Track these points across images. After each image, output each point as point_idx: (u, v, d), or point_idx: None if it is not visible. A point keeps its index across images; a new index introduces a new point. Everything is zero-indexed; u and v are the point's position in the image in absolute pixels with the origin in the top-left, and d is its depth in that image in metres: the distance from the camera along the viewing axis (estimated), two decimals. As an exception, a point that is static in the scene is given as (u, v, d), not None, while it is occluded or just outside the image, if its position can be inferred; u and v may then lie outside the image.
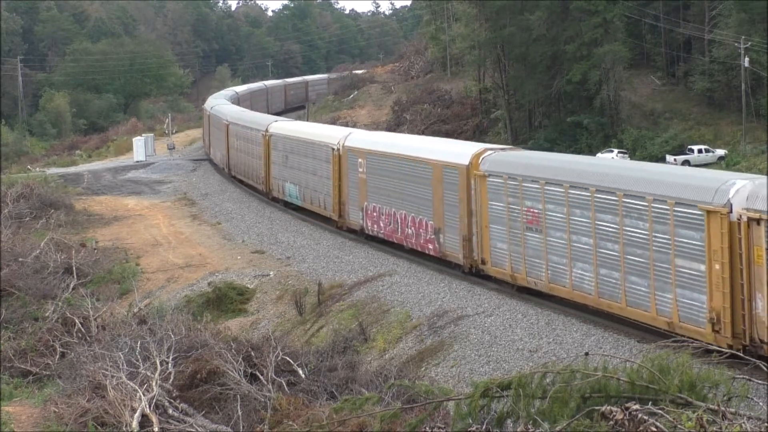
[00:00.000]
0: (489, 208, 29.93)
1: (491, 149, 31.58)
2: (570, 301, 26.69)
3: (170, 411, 22.33)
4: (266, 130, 51.43)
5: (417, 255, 35.09)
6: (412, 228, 34.86)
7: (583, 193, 25.73)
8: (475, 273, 31.21)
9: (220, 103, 77.41)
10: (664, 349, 13.82)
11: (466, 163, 31.12)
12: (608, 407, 12.40)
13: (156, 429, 21.35)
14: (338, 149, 41.18)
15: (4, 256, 42.08)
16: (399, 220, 35.94)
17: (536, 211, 27.52)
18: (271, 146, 50.80)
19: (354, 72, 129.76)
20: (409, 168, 35.00)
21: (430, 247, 33.73)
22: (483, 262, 30.57)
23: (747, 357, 14.60)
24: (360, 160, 38.99)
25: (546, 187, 27.14)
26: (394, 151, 36.82)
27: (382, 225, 37.31)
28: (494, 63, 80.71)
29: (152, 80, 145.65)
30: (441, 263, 33.44)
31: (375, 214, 37.87)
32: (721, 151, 65.22)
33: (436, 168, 32.93)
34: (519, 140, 73.76)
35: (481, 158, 30.70)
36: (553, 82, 74.42)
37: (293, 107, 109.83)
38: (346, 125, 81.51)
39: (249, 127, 56.09)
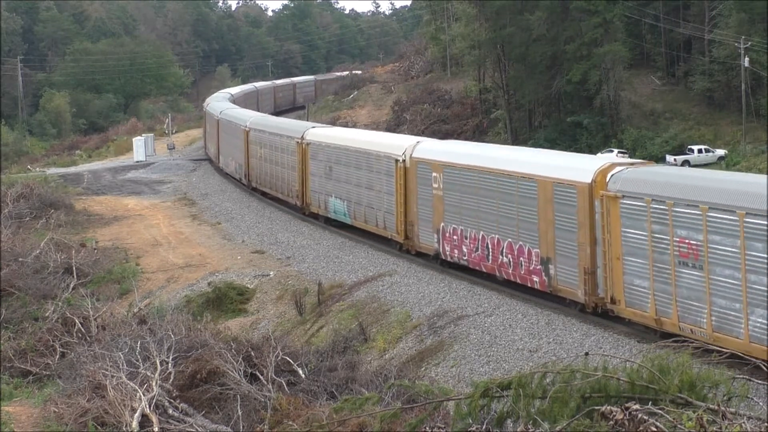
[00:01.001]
0: (623, 236, 24.61)
1: (621, 164, 26.52)
2: (746, 354, 17.36)
3: (170, 411, 22.33)
4: (302, 138, 45.74)
5: (514, 287, 29.78)
6: (509, 256, 29.60)
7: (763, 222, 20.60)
8: (600, 313, 26.04)
9: (231, 107, 72.69)
10: (664, 349, 13.81)
11: (589, 180, 26.04)
12: (608, 407, 12.40)
13: (156, 429, 21.36)
14: (403, 160, 35.54)
15: (4, 256, 42.08)
16: (490, 246, 30.51)
17: (694, 242, 22.40)
18: (308, 156, 44.93)
19: (338, 74, 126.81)
20: (505, 185, 29.50)
21: (535, 279, 28.42)
22: (613, 301, 25.20)
23: (747, 357, 14.59)
24: (435, 174, 33.44)
25: (710, 214, 21.88)
26: (482, 165, 31.17)
27: (465, 250, 31.86)
28: (494, 63, 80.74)
29: (152, 80, 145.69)
30: (548, 298, 28.27)
31: (455, 237, 32.39)
32: (721, 151, 65.23)
33: (545, 185, 27.68)
34: (519, 140, 73.81)
35: (609, 175, 25.58)
36: (553, 82, 74.42)
37: (282, 110, 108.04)
38: (346, 125, 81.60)
39: (279, 134, 49.99)
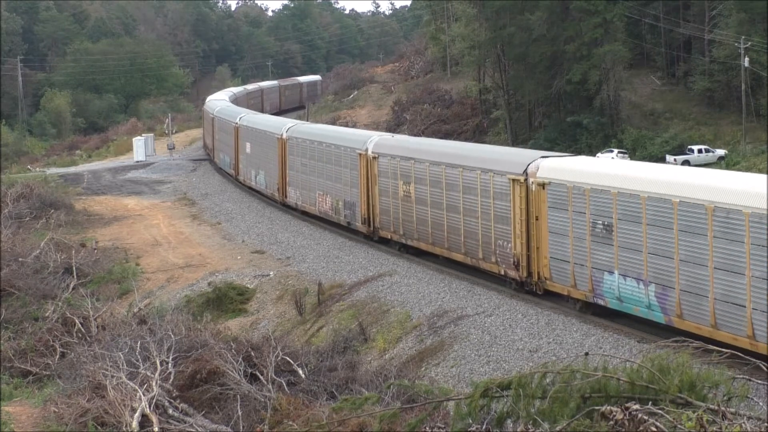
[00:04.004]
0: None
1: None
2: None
3: (170, 411, 22.34)
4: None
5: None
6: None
7: None
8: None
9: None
10: (664, 349, 13.82)
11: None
12: (608, 407, 12.40)
13: (156, 429, 21.36)
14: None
15: (4, 256, 42.08)
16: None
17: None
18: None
19: (300, 79, 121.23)
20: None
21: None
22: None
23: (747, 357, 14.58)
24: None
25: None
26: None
27: None
28: (494, 63, 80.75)
29: (152, 80, 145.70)
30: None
31: None
32: (721, 151, 65.23)
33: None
34: (519, 140, 73.82)
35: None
36: (553, 82, 74.40)
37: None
38: (346, 125, 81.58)
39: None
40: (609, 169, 26.62)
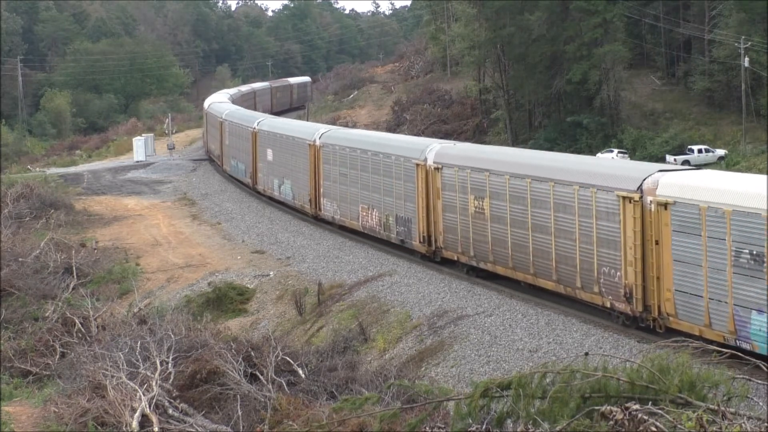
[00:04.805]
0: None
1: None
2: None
3: (170, 411, 22.34)
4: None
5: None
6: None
7: None
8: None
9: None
10: (664, 349, 13.82)
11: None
12: (608, 407, 12.40)
13: (156, 429, 21.36)
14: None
15: (4, 256, 42.09)
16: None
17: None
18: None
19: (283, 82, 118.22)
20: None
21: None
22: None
23: (747, 357, 14.59)
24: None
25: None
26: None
27: None
28: (494, 63, 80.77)
29: (152, 80, 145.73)
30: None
31: None
32: (721, 151, 65.27)
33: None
34: (519, 140, 73.84)
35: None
36: (553, 82, 74.44)
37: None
38: (346, 125, 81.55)
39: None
40: (756, 188, 22.01)
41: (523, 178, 28.74)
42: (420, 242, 34.90)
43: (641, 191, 24.34)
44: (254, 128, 55.80)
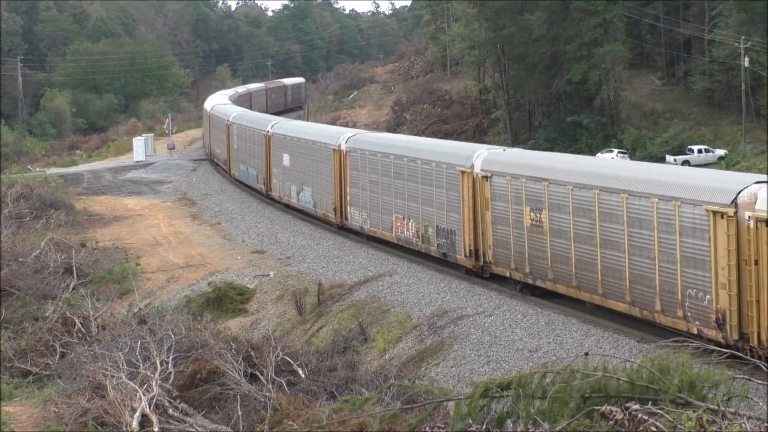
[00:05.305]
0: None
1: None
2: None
3: (170, 411, 22.35)
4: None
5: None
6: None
7: None
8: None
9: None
10: (664, 349, 13.82)
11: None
12: (608, 407, 12.40)
13: (156, 429, 21.37)
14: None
15: (4, 256, 42.09)
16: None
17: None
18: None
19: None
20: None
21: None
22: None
23: (747, 357, 14.59)
24: None
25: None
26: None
27: None
28: (494, 63, 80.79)
29: (152, 80, 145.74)
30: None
31: None
32: (721, 151, 65.28)
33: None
34: (519, 140, 73.82)
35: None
36: (553, 82, 74.46)
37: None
38: (346, 125, 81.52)
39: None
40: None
41: (590, 188, 26.11)
42: (466, 256, 31.97)
43: (736, 205, 21.88)
44: (267, 131, 52.89)
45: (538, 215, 28.20)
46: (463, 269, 32.42)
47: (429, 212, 34.31)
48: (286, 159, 49.67)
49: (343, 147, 41.55)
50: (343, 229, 42.20)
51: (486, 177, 30.66)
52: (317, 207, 45.07)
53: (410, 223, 35.92)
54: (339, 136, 43.24)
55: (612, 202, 25.24)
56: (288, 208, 49.81)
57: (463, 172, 31.84)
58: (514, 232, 29.28)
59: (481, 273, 31.62)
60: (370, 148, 39.73)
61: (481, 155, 31.66)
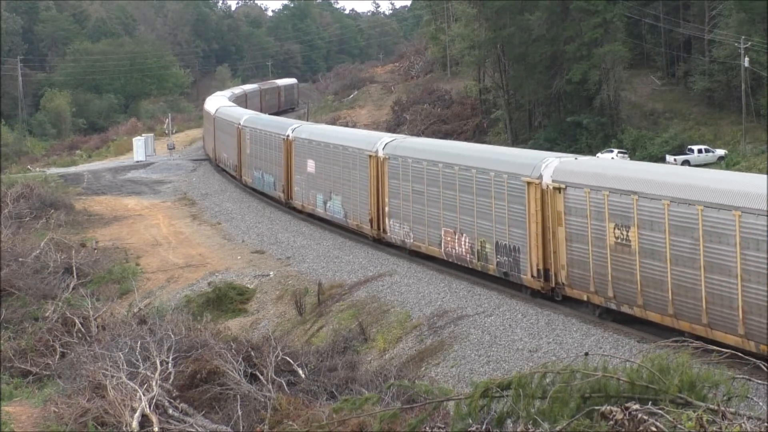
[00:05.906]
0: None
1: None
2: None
3: (170, 411, 22.35)
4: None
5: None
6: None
7: None
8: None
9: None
10: (664, 349, 13.82)
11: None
12: (608, 407, 12.40)
13: (156, 429, 21.37)
14: None
15: (4, 256, 42.09)
16: None
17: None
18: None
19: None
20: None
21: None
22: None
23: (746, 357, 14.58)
24: None
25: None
26: None
27: None
28: (494, 63, 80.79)
29: (152, 80, 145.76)
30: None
31: None
32: (721, 151, 65.29)
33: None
34: (519, 140, 73.83)
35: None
36: (553, 82, 74.46)
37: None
38: (346, 125, 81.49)
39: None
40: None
41: (692, 204, 22.72)
42: (533, 276, 28.70)
43: None
44: (287, 136, 49.13)
45: (624, 233, 25.03)
46: (528, 291, 29.08)
47: (486, 226, 31.05)
48: (311, 165, 46.05)
49: (381, 153, 38.29)
50: (380, 242, 38.85)
51: (558, 189, 27.41)
52: (349, 218, 41.63)
53: (463, 239, 32.48)
54: (376, 141, 39.75)
55: (722, 221, 21.94)
56: (311, 217, 46.41)
57: (529, 183, 28.66)
58: (594, 251, 26.02)
59: (553, 295, 28.28)
60: (414, 155, 36.10)
61: (550, 164, 28.44)
